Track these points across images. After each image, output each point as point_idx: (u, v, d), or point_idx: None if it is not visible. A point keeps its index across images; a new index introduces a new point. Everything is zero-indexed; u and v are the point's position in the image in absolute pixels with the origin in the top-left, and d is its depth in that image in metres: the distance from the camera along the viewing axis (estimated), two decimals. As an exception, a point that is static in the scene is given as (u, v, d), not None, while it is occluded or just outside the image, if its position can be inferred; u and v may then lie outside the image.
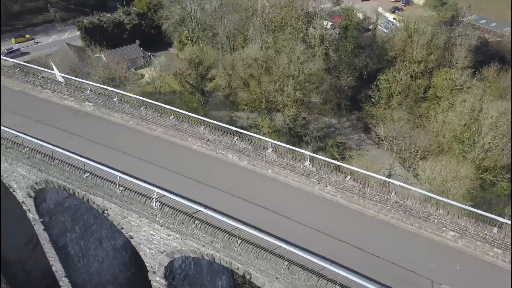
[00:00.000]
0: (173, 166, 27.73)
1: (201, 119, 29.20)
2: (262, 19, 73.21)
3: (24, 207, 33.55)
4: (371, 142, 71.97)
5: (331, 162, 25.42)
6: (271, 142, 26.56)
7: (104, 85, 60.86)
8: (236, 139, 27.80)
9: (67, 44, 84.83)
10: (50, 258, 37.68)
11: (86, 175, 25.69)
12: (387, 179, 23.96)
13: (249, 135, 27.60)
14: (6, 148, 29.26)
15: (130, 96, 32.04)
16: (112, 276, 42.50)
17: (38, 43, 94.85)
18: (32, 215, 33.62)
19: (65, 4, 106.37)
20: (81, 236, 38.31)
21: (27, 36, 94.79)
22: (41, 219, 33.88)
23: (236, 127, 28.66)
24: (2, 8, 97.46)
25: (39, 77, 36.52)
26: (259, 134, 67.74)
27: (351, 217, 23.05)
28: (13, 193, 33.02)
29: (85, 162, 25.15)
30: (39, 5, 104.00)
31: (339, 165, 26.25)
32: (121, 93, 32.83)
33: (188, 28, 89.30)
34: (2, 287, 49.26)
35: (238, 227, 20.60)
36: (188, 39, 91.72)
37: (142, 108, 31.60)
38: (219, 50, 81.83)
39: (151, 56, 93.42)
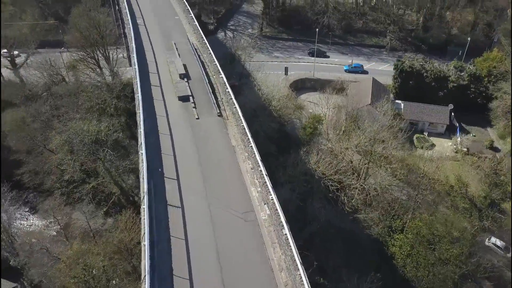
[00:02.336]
0: None
1: None
2: None
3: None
4: None
5: None
6: None
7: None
8: None
9: (374, 79, 79.25)
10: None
11: None
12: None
13: None
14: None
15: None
16: None
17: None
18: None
19: (404, 34, 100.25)
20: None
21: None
22: None
23: None
24: (347, 22, 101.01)
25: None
26: None
27: None
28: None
29: None
30: (379, 28, 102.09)
31: None
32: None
33: (525, 119, 66.46)
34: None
35: None
36: (519, 130, 68.85)
37: None
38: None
39: (457, 127, 76.16)
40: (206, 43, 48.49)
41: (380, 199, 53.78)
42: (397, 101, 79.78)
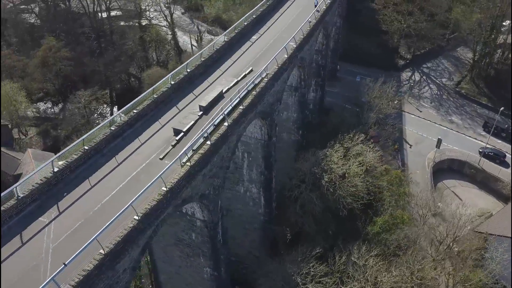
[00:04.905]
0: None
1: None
2: None
3: None
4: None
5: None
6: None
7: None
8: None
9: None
10: None
11: None
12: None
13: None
14: None
15: None
16: None
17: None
18: None
19: None
20: None
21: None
22: None
23: None
24: None
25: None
26: None
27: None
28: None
29: None
30: None
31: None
32: None
33: None
34: None
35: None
36: None
37: None
38: None
39: None
40: (264, 84, 41.28)
41: None
42: None
